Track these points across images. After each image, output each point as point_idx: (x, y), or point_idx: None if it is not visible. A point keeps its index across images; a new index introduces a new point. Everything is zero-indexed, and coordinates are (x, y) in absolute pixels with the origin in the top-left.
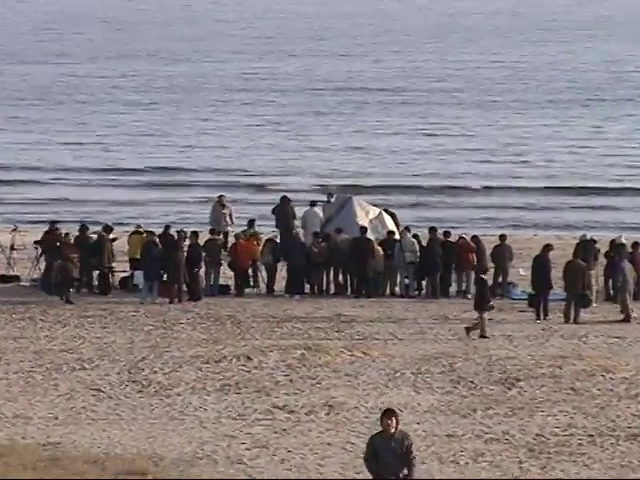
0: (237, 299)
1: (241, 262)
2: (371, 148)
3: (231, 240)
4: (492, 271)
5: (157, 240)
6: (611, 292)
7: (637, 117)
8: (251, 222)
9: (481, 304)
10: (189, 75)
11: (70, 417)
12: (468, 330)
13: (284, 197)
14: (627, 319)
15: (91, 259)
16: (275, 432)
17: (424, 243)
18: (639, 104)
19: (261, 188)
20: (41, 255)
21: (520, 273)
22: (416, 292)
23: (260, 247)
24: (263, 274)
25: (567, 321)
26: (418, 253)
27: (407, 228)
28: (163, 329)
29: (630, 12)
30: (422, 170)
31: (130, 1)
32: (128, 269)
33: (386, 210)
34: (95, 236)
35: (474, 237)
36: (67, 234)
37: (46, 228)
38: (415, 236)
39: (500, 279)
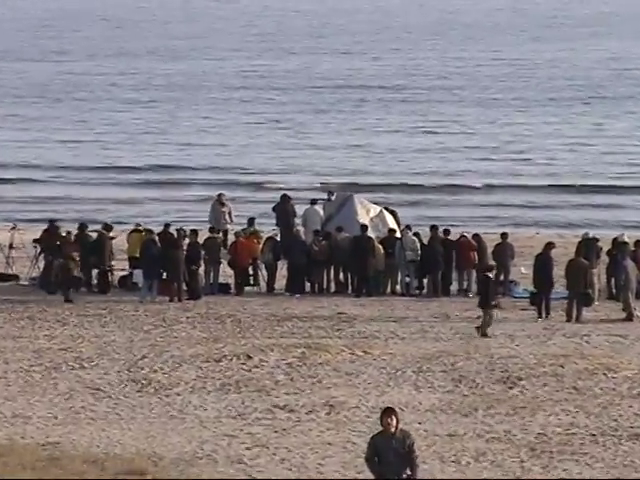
0: (237, 298)
1: (241, 260)
2: (371, 146)
3: (231, 238)
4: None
5: (156, 238)
6: (613, 290)
7: (639, 114)
8: (251, 220)
9: (486, 302)
10: (188, 73)
11: (69, 416)
12: (479, 330)
13: (284, 195)
14: (629, 318)
15: (90, 258)
16: (275, 431)
17: (425, 241)
18: None
19: (259, 186)
20: (40, 254)
21: (522, 271)
22: (417, 290)
23: (260, 245)
24: (263, 272)
25: (569, 320)
26: (419, 251)
27: (408, 226)
28: (163, 328)
29: (631, 9)
30: (423, 168)
31: None
32: (127, 268)
33: (387, 208)
34: (95, 234)
35: (475, 235)
36: (69, 232)
37: (45, 226)
38: (416, 234)
39: (502, 277)
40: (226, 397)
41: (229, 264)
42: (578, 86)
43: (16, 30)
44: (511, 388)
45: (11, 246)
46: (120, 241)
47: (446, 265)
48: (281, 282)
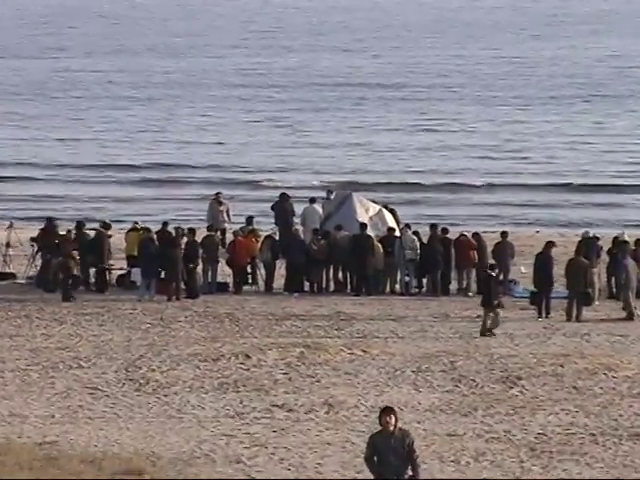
0: (235, 297)
1: (239, 259)
2: (371, 144)
3: (229, 237)
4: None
5: (154, 237)
6: (614, 290)
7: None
8: (250, 219)
9: (489, 301)
10: (186, 70)
11: (67, 416)
12: (489, 330)
13: (283, 194)
14: (630, 317)
15: (88, 256)
16: (274, 431)
17: (425, 240)
18: None
19: (257, 185)
20: (37, 252)
21: (522, 271)
22: (416, 290)
23: (259, 244)
24: (262, 271)
25: (569, 319)
26: (418, 250)
27: (407, 225)
28: (161, 327)
29: (632, 7)
30: (422, 166)
31: None
32: (125, 266)
33: (386, 207)
34: (93, 233)
35: (475, 234)
36: (69, 231)
37: (42, 225)
38: (415, 233)
39: (501, 277)
40: (224, 396)
41: (227, 263)
42: (578, 84)
43: (14, 27)
44: (511, 388)
45: (8, 244)
46: (118, 239)
47: (445, 264)
48: (280, 281)
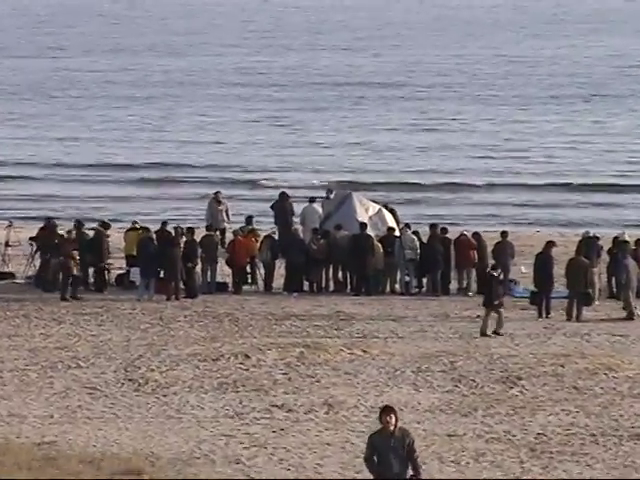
0: (235, 296)
1: (239, 259)
2: (370, 143)
3: (228, 237)
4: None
5: (154, 236)
6: (614, 290)
7: None
8: (249, 219)
9: (491, 301)
10: (185, 69)
11: (65, 416)
12: (495, 332)
13: (283, 193)
14: (630, 317)
15: (87, 255)
16: (273, 431)
17: (424, 240)
18: None
19: (255, 184)
20: (36, 252)
21: (522, 270)
22: (416, 289)
23: (258, 244)
24: (261, 271)
25: (569, 319)
26: (418, 250)
27: (407, 225)
28: (160, 327)
29: (633, 6)
30: (422, 166)
31: None
32: (124, 266)
33: (386, 206)
34: (92, 232)
35: (475, 234)
36: (69, 231)
37: (41, 224)
38: (415, 233)
39: (502, 277)
40: (224, 397)
41: (227, 262)
42: (579, 84)
43: (13, 26)
44: (511, 388)
45: (7, 244)
46: (117, 239)
47: (445, 264)
48: (279, 281)
